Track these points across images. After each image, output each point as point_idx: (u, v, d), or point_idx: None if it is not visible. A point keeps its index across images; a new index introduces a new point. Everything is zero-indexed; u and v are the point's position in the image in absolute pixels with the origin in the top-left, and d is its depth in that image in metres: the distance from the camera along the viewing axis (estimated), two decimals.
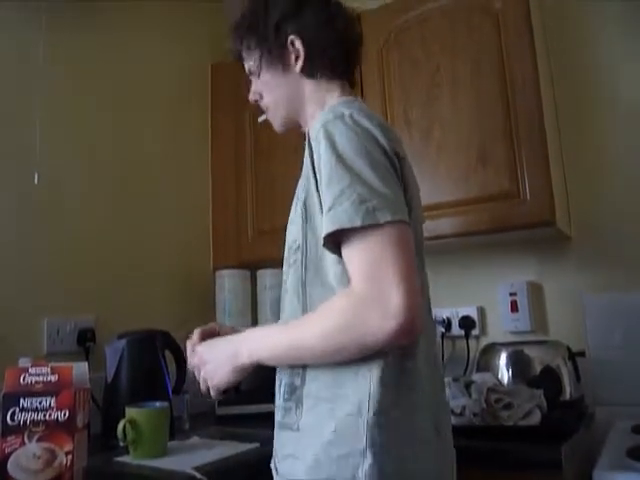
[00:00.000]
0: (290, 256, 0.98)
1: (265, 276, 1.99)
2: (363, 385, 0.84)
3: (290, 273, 0.97)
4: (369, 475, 0.80)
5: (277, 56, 1.04)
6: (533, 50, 1.57)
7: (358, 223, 0.80)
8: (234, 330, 1.09)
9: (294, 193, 1.02)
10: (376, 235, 0.81)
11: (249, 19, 1.08)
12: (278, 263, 1.09)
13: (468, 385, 1.52)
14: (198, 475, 1.11)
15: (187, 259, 2.07)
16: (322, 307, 0.86)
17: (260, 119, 1.19)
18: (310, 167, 0.90)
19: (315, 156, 0.89)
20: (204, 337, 1.05)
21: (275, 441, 0.96)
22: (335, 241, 0.84)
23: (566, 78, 1.82)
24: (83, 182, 1.76)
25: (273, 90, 1.08)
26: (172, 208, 2.05)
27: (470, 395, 1.49)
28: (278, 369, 0.96)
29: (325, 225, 0.83)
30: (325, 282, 0.89)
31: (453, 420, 1.42)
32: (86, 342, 1.66)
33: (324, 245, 0.86)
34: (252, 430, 1.54)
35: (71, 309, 1.67)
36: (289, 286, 0.97)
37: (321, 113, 0.94)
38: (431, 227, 1.59)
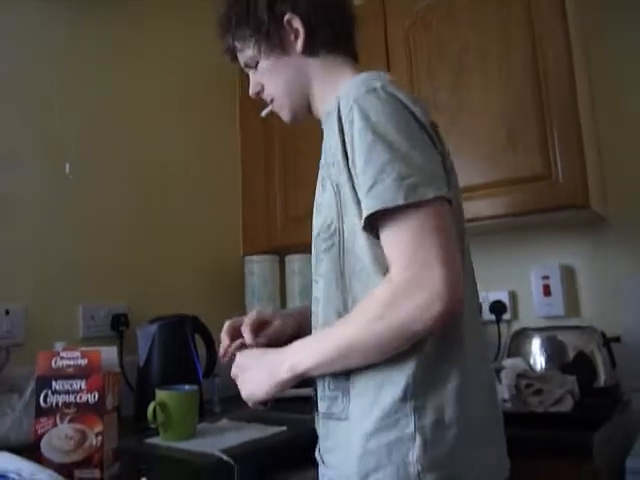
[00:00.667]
0: (321, 242, 0.91)
1: (293, 261, 2.00)
2: (407, 369, 0.81)
3: (325, 260, 0.90)
4: (420, 459, 0.79)
5: (275, 39, 0.98)
6: (565, 26, 1.51)
7: (401, 201, 0.76)
8: (285, 316, 1.07)
9: None
10: (418, 214, 0.77)
11: (236, 8, 1.01)
12: (306, 248, 1.07)
13: (498, 371, 1.50)
14: (225, 457, 1.13)
15: (217, 246, 2.09)
16: (365, 301, 0.82)
17: (263, 113, 1.11)
18: (340, 148, 0.84)
19: (347, 137, 0.83)
20: (255, 327, 1.02)
21: (320, 432, 0.94)
22: (372, 223, 0.80)
23: (601, 56, 1.75)
24: (114, 172, 1.79)
25: (276, 77, 1.02)
26: (203, 196, 2.07)
27: (500, 381, 1.48)
28: None
29: (367, 205, 0.79)
30: (364, 268, 0.84)
31: None
32: (119, 327, 1.70)
33: (364, 228, 0.81)
34: (281, 413, 1.56)
35: (105, 295, 1.71)
36: (324, 273, 0.91)
37: (349, 86, 0.85)
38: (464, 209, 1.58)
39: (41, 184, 1.60)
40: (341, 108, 0.85)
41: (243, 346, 1.02)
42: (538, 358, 1.57)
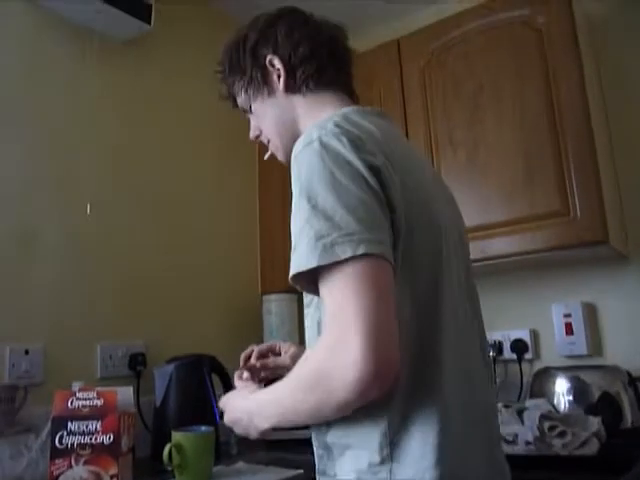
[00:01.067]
0: (304, 296, 0.91)
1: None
2: (380, 431, 0.77)
3: (306, 315, 0.91)
4: None
5: (260, 81, 1.00)
6: (580, 64, 1.53)
7: (314, 263, 0.72)
8: (293, 347, 1.12)
9: None
10: (338, 273, 0.72)
11: (229, 56, 1.05)
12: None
13: (521, 412, 1.47)
14: None
15: (235, 285, 2.10)
16: (299, 366, 0.79)
17: (265, 157, 1.12)
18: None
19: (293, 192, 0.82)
20: (261, 356, 1.11)
21: None
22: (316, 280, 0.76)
23: (618, 93, 1.76)
24: (133, 212, 1.82)
25: (266, 118, 1.03)
26: (221, 236, 2.08)
27: (523, 422, 1.44)
28: None
29: (290, 268, 0.77)
30: None
31: (505, 448, 1.37)
32: (137, 366, 1.70)
33: (302, 289, 0.80)
34: (299, 456, 1.53)
35: (123, 335, 1.72)
36: (308, 327, 0.91)
37: (301, 137, 0.84)
38: (480, 248, 1.58)
39: (61, 223, 1.63)
40: (291, 159, 0.84)
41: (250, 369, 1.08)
42: (562, 398, 1.53)
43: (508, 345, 1.80)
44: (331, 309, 0.72)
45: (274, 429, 0.85)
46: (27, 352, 1.49)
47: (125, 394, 1.11)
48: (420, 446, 0.76)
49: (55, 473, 1.02)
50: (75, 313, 1.62)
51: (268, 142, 1.07)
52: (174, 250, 1.92)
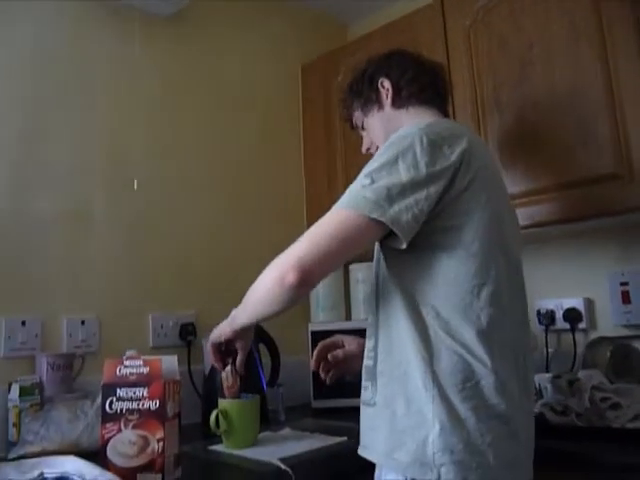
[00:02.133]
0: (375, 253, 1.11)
1: (358, 270, 1.99)
2: (424, 363, 0.94)
3: (372, 267, 1.11)
4: (437, 443, 0.91)
5: (372, 100, 1.24)
6: (637, 14, 1.42)
7: (344, 206, 0.96)
8: (356, 339, 1.26)
9: None
10: (339, 213, 0.96)
11: (349, 87, 1.30)
12: (370, 257, 1.12)
13: (571, 383, 1.43)
14: (283, 466, 1.14)
15: None
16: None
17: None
18: None
19: None
20: (326, 351, 1.25)
21: (360, 416, 1.06)
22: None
23: None
24: (179, 185, 1.86)
25: (375, 131, 1.26)
26: (267, 205, 2.10)
27: (573, 393, 1.40)
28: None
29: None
30: (385, 278, 1.05)
31: (554, 419, 1.34)
32: (187, 336, 1.75)
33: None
34: (344, 423, 1.54)
35: (173, 305, 1.77)
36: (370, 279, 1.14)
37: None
38: (529, 214, 1.52)
39: (112, 200, 1.69)
40: None
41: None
42: (616, 370, 1.47)
43: (561, 314, 1.74)
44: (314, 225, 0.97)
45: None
46: (83, 323, 1.56)
47: (170, 362, 1.14)
48: (464, 384, 0.92)
49: (106, 436, 1.07)
50: (128, 285, 1.68)
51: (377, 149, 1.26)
52: (223, 222, 1.95)
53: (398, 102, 1.21)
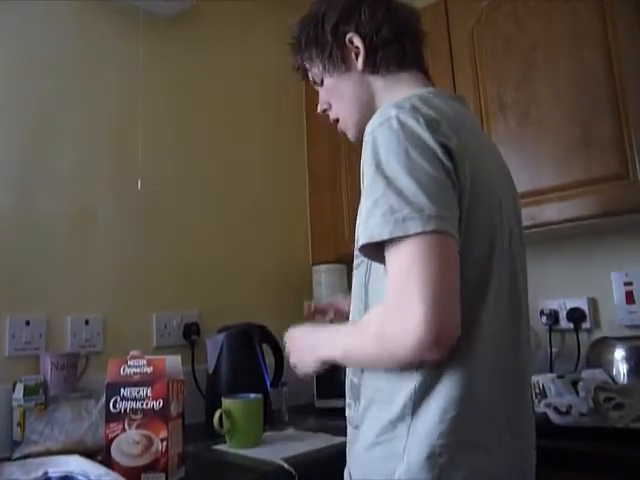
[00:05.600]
0: (355, 259, 0.96)
1: None
2: (407, 391, 0.83)
3: (354, 276, 0.97)
4: (402, 479, 0.80)
5: (338, 57, 1.02)
6: None
7: (386, 235, 0.78)
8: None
9: None
10: (407, 246, 0.78)
11: (306, 30, 1.05)
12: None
13: (575, 382, 1.43)
14: (286, 466, 1.14)
15: (286, 256, 2.12)
16: (364, 317, 0.87)
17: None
18: (361, 173, 0.88)
19: (362, 167, 0.86)
20: (318, 311, 1.27)
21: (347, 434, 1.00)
22: (381, 250, 0.82)
23: None
24: (183, 185, 1.86)
25: (340, 94, 1.05)
26: (271, 207, 2.11)
27: (577, 393, 1.40)
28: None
29: (359, 237, 0.83)
30: (381, 289, 0.86)
31: (558, 419, 1.34)
32: (191, 335, 1.76)
33: (366, 256, 0.87)
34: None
35: (177, 305, 1.78)
36: (354, 288, 0.97)
37: (375, 114, 0.87)
38: (533, 214, 1.52)
39: (117, 198, 1.69)
40: (364, 135, 0.87)
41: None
42: (620, 369, 1.47)
43: (564, 314, 1.74)
44: (397, 277, 0.78)
45: (322, 371, 0.98)
46: (87, 322, 1.57)
47: (173, 362, 1.14)
48: (442, 415, 0.80)
49: (110, 436, 1.07)
50: (132, 285, 1.69)
51: (336, 120, 1.09)
52: (226, 222, 1.96)
53: (372, 66, 1.00)
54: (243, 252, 1.98)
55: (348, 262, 2.05)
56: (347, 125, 1.07)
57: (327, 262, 2.07)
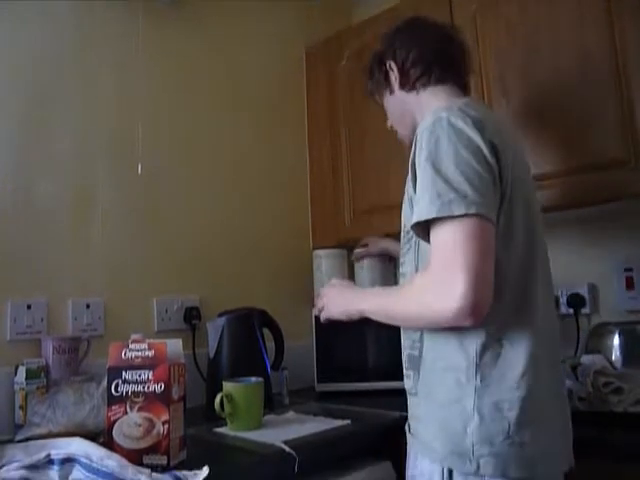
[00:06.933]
0: (405, 243, 1.12)
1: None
2: (471, 353, 0.96)
3: (406, 260, 1.12)
4: (476, 434, 0.93)
5: (382, 83, 1.26)
6: None
7: (433, 215, 0.91)
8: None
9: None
10: (450, 225, 0.91)
11: (368, 65, 1.31)
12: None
13: (575, 367, 1.43)
14: (287, 448, 1.15)
15: (286, 240, 2.12)
16: (407, 283, 1.06)
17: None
18: (410, 168, 1.03)
19: (416, 158, 1.00)
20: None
21: (408, 403, 1.11)
22: (428, 231, 0.96)
23: None
24: (183, 170, 1.85)
25: (391, 113, 1.30)
26: (271, 192, 2.10)
27: (577, 378, 1.40)
28: (402, 343, 1.12)
29: (414, 217, 0.97)
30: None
31: None
32: (192, 320, 1.76)
33: (416, 235, 1.00)
34: (347, 407, 1.56)
35: (178, 289, 1.78)
36: (406, 271, 1.12)
37: (427, 117, 1.02)
38: None
39: (117, 182, 1.69)
40: (417, 134, 1.03)
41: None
42: (619, 354, 1.48)
43: (565, 300, 1.74)
44: (441, 253, 0.92)
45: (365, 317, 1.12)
46: (88, 306, 1.57)
47: (174, 345, 1.14)
48: (505, 374, 0.94)
49: (112, 418, 1.08)
50: (132, 269, 1.69)
51: (396, 131, 1.32)
52: (227, 206, 1.95)
53: (407, 85, 1.20)
54: (243, 237, 1.98)
55: (348, 247, 2.06)
56: (402, 137, 1.31)
57: (327, 247, 2.06)
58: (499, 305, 0.94)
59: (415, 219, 0.95)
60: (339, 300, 1.19)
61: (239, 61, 2.07)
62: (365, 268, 1.95)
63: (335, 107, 2.11)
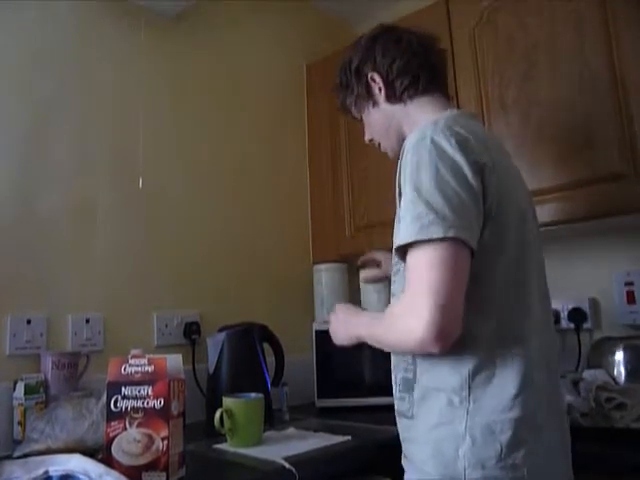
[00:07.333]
0: (395, 263, 1.07)
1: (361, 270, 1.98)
2: (464, 374, 0.94)
3: (397, 279, 1.08)
4: (469, 457, 0.91)
5: (364, 96, 1.18)
6: None
7: (412, 238, 0.90)
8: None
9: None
10: (426, 249, 0.89)
11: (339, 77, 1.24)
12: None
13: (576, 382, 1.43)
14: (287, 465, 1.14)
15: (287, 255, 2.11)
16: (389, 307, 1.01)
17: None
18: (398, 185, 1.01)
19: (400, 176, 0.99)
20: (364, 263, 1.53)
21: (398, 427, 1.09)
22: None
23: None
24: (184, 184, 1.86)
25: (374, 127, 1.22)
26: (272, 206, 2.10)
27: (579, 393, 1.40)
28: (393, 367, 1.09)
29: (395, 242, 0.96)
30: None
31: None
32: (192, 335, 1.75)
33: (400, 258, 0.97)
34: (348, 423, 1.55)
35: (178, 304, 1.77)
36: (397, 291, 1.09)
37: (413, 133, 1.00)
38: None
39: (118, 196, 1.69)
40: (403, 149, 1.00)
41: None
42: (621, 370, 1.47)
43: (566, 314, 1.74)
44: (413, 277, 0.91)
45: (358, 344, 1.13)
46: (88, 321, 1.57)
47: (174, 361, 1.14)
48: (497, 396, 0.92)
49: (111, 434, 1.07)
50: (132, 284, 1.69)
51: (379, 145, 1.25)
52: (227, 221, 1.95)
53: (392, 97, 1.15)
54: (244, 251, 1.98)
55: (349, 261, 2.06)
56: (385, 149, 1.24)
57: (328, 261, 2.06)
58: (487, 325, 0.94)
59: (398, 242, 0.94)
60: (341, 327, 1.17)
61: (241, 75, 2.08)
62: (372, 288, 1.94)
63: (336, 120, 2.11)
